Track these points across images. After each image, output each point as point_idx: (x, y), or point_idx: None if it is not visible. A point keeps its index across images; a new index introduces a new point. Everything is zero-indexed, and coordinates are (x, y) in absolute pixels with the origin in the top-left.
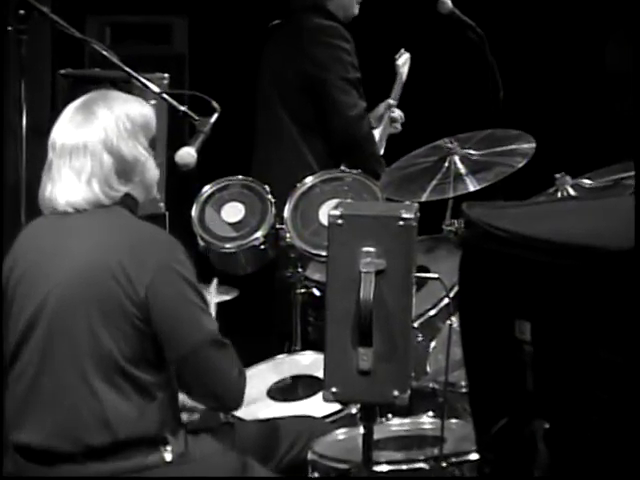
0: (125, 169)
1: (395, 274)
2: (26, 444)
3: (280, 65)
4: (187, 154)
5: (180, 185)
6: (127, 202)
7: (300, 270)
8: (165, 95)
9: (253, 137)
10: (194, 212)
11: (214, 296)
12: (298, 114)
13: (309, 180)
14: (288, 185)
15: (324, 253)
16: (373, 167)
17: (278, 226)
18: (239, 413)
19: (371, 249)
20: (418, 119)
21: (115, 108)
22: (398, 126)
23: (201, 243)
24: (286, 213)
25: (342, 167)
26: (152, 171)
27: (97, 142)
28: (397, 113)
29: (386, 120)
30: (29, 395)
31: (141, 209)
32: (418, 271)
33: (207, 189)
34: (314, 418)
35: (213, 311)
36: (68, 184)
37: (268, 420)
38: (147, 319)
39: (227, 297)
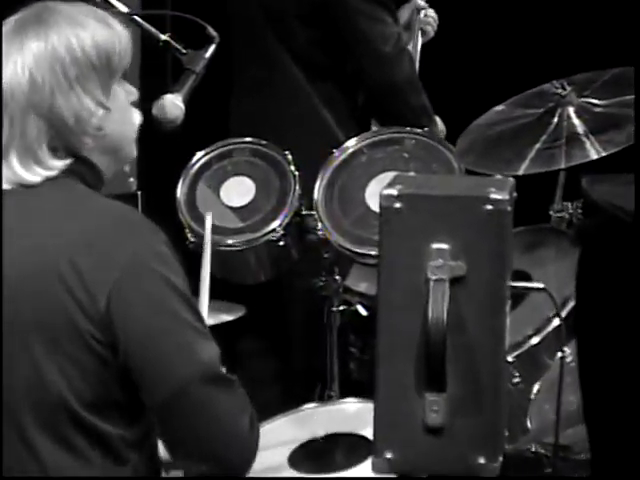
0: (63, 136)
1: (480, 283)
2: None
3: None
4: (171, 104)
5: (159, 152)
6: (80, 171)
7: (337, 278)
8: (138, 17)
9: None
10: (180, 192)
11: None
12: (305, 56)
13: (351, 144)
14: (311, 153)
15: (373, 252)
16: (422, 124)
17: (304, 212)
18: None
19: (444, 246)
20: (512, 52)
21: (52, 36)
22: (430, 30)
23: (190, 237)
24: (316, 193)
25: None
26: (121, 125)
27: (19, 96)
28: (430, 13)
29: (416, 28)
30: None
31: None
32: (515, 279)
33: (199, 157)
34: None
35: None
36: None
37: None
38: (112, 343)
39: (229, 317)
